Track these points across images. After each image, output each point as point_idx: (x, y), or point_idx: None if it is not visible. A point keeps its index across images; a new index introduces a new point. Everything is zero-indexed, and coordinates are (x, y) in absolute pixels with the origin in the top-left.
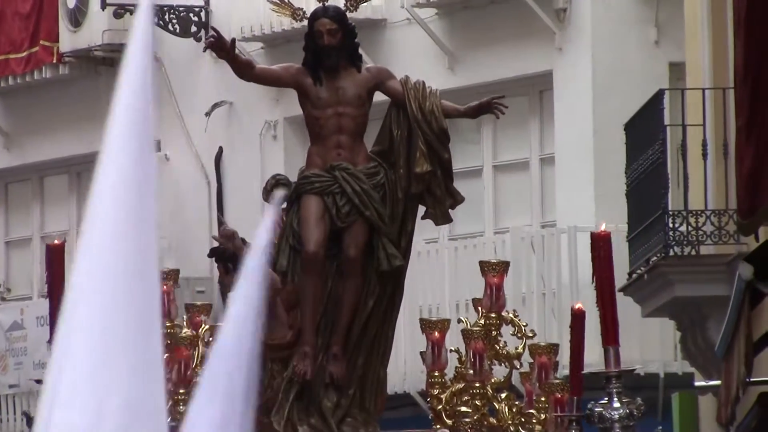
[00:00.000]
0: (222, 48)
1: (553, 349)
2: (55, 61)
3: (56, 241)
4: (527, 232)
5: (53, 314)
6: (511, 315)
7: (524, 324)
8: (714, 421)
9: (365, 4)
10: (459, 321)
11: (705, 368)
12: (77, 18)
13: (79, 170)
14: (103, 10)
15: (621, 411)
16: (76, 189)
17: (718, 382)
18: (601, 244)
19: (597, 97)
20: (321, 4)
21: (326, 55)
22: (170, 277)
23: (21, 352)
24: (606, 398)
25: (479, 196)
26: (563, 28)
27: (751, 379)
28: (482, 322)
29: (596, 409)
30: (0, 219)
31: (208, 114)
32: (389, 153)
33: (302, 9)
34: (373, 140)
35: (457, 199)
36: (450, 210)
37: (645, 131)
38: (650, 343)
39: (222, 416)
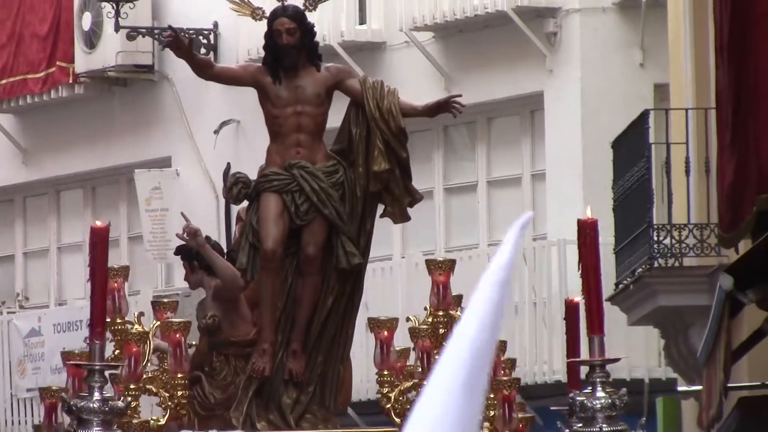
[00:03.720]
0: (179, 47)
1: (501, 346)
2: (71, 81)
3: (99, 223)
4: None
5: (94, 298)
6: (459, 313)
7: None
8: (696, 425)
9: (364, 27)
10: (407, 320)
11: (687, 374)
12: (92, 40)
13: (94, 184)
14: (116, 33)
15: (603, 401)
16: (90, 202)
17: (699, 387)
18: (587, 231)
19: (585, 116)
20: (280, 4)
21: (285, 54)
22: (120, 273)
23: (38, 357)
24: (589, 387)
25: (474, 211)
26: (553, 51)
27: (731, 385)
28: (430, 320)
29: (578, 398)
30: (19, 231)
31: (216, 132)
32: (348, 152)
33: (261, 8)
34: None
35: (415, 198)
36: (408, 208)
37: (631, 149)
38: (636, 350)
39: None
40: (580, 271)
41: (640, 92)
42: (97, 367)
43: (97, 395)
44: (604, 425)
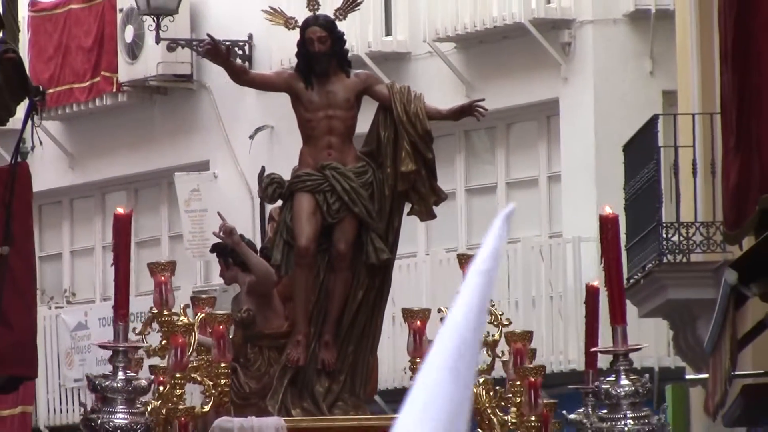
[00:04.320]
0: (218, 54)
1: (528, 336)
2: (114, 90)
3: (122, 210)
4: (536, 242)
5: (118, 283)
6: None
7: (500, 313)
8: (703, 410)
9: (390, 38)
10: (439, 311)
11: (695, 363)
12: (134, 51)
13: (137, 187)
14: (157, 45)
15: (628, 388)
16: (133, 204)
17: (706, 376)
18: (609, 226)
19: (598, 121)
20: (312, 14)
21: (317, 61)
22: (168, 268)
23: (85, 350)
24: (613, 375)
25: (494, 211)
26: (568, 60)
27: (736, 373)
28: None
29: (603, 386)
30: (66, 231)
31: (251, 137)
32: (377, 153)
33: (294, 18)
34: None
35: (440, 196)
36: (434, 206)
37: (641, 152)
38: (646, 341)
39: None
40: (602, 264)
41: (650, 98)
42: (121, 348)
43: (121, 375)
44: (628, 411)
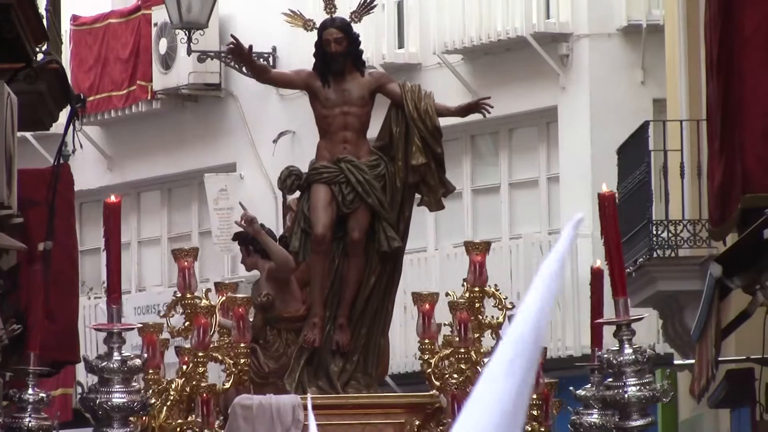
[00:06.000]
0: (240, 53)
1: None
2: (149, 98)
3: (113, 198)
4: (537, 238)
5: (109, 267)
6: (492, 289)
7: (504, 297)
8: (689, 393)
9: (403, 50)
10: (447, 294)
11: (682, 349)
12: (167, 62)
13: (170, 187)
14: (189, 56)
15: (632, 357)
16: (167, 202)
17: (693, 361)
18: (606, 204)
19: (594, 127)
20: (329, 16)
21: (333, 61)
22: (190, 254)
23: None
24: (617, 345)
25: (497, 209)
26: (566, 70)
27: (720, 359)
28: (467, 295)
29: (606, 356)
30: None
31: (275, 141)
32: (389, 147)
33: (312, 20)
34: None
35: (448, 189)
36: (442, 198)
37: (633, 155)
38: (637, 329)
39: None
40: (603, 239)
41: (641, 106)
42: (115, 330)
43: (116, 356)
44: (632, 378)
